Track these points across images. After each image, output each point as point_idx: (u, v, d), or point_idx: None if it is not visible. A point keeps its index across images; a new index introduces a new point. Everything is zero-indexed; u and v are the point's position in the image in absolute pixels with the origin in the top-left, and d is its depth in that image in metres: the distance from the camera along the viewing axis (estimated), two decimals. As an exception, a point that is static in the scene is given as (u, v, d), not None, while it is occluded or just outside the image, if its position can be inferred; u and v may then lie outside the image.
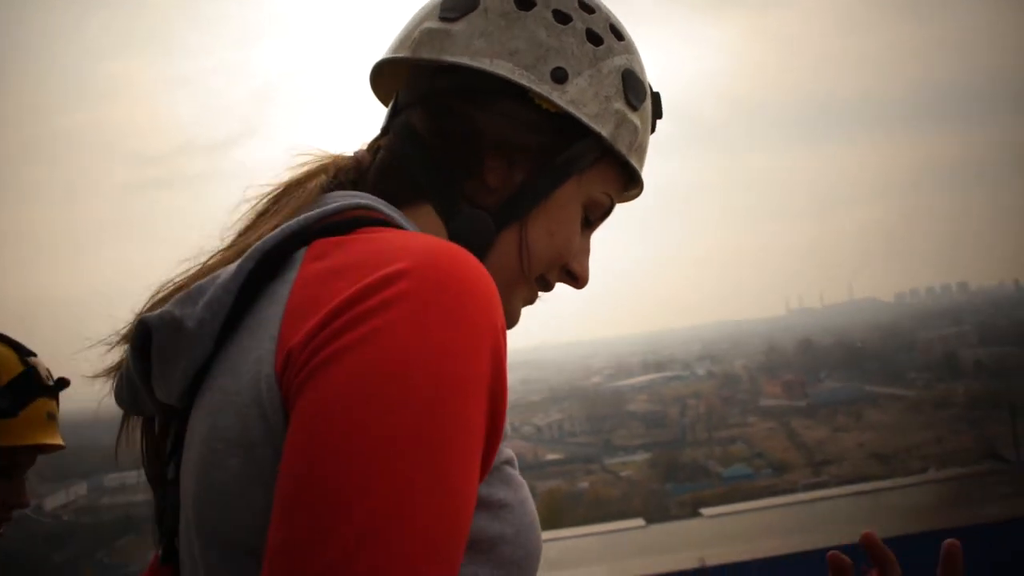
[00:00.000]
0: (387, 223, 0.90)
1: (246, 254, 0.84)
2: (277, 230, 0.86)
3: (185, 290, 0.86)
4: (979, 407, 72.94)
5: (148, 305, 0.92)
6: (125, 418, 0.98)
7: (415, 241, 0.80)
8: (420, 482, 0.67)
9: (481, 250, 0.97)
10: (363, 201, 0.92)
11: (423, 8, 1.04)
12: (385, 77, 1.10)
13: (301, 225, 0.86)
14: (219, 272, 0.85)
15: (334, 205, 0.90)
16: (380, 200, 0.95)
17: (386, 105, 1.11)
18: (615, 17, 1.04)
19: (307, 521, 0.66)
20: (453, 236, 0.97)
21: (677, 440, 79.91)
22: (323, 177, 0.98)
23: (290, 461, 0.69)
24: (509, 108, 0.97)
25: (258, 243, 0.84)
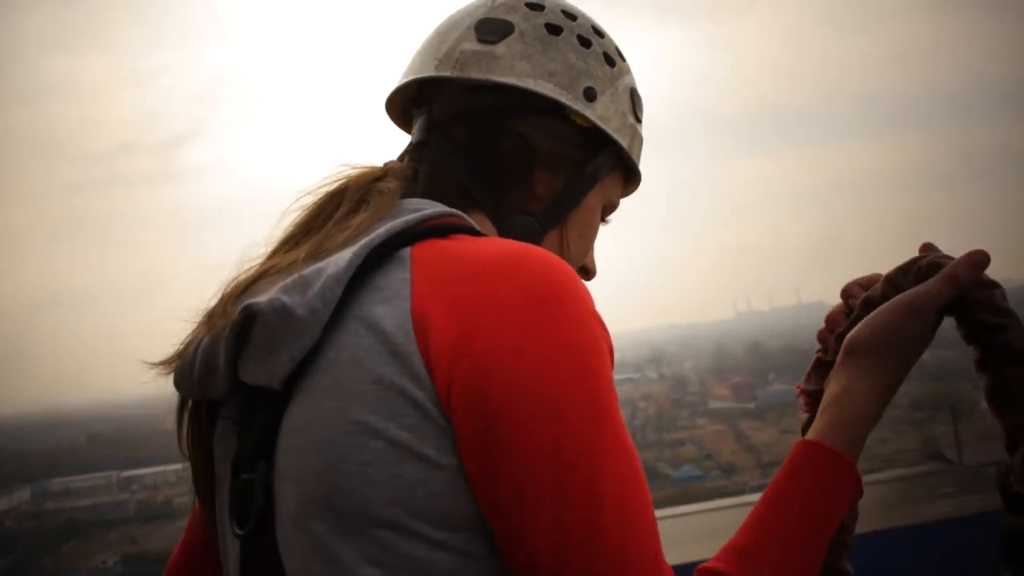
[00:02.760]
0: (474, 231, 0.99)
1: (354, 250, 0.90)
2: (383, 229, 0.93)
3: (285, 280, 0.91)
4: (922, 409, 74.03)
5: (223, 295, 0.99)
6: (183, 404, 1.04)
7: (514, 246, 0.91)
8: (619, 447, 0.84)
9: None
10: (451, 210, 1.01)
11: (451, 29, 1.12)
12: (396, 93, 1.19)
13: (405, 226, 0.95)
14: (324, 264, 0.91)
15: (431, 211, 0.99)
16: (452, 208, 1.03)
17: (395, 119, 1.23)
18: (616, 42, 1.18)
19: (573, 512, 0.80)
20: None
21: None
22: (396, 182, 1.05)
23: (508, 471, 0.81)
24: (551, 124, 1.09)
25: (365, 240, 0.92)
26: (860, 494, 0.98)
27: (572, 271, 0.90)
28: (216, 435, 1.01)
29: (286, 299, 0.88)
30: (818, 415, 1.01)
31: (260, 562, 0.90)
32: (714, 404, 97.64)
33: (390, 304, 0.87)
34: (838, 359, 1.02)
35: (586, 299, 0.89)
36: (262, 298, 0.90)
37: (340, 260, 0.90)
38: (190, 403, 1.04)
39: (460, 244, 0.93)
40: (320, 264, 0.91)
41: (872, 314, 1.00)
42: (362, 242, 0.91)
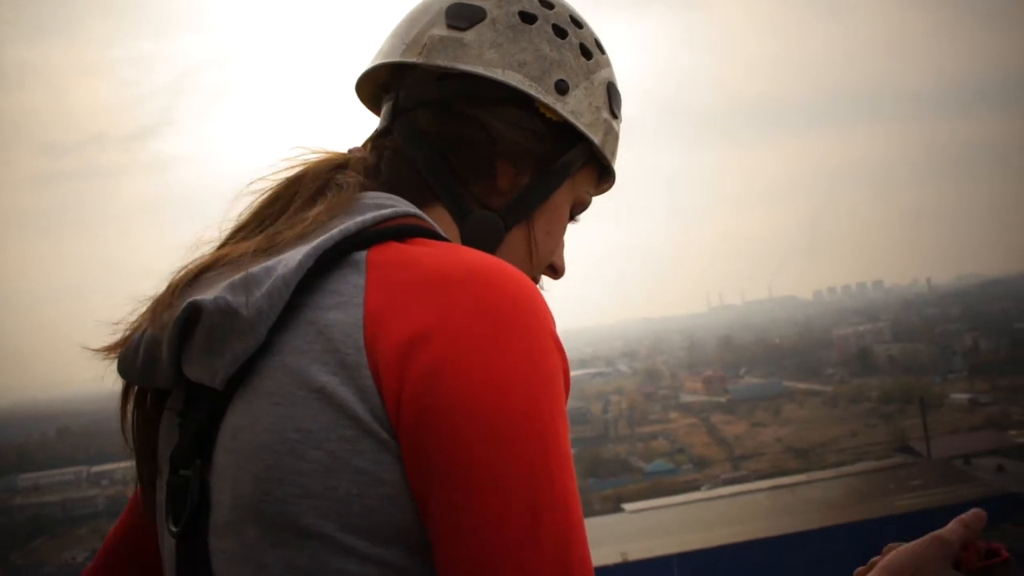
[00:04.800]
0: (434, 234, 0.96)
1: (306, 251, 0.87)
2: (337, 230, 0.90)
3: (233, 276, 0.88)
4: (892, 402, 74.86)
5: (170, 284, 0.95)
6: (127, 391, 1.02)
7: (475, 257, 0.88)
8: (563, 476, 0.81)
9: (491, 250, 1.05)
10: (411, 209, 0.98)
11: (422, 13, 1.09)
12: (365, 77, 1.15)
13: (360, 227, 0.91)
14: (273, 263, 0.88)
15: (388, 210, 0.95)
16: (413, 205, 1.00)
17: (366, 103, 1.20)
18: (596, 33, 1.14)
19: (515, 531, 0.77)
20: (466, 237, 1.05)
21: (600, 436, 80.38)
22: (355, 175, 1.02)
23: (452, 500, 0.79)
24: (517, 116, 1.05)
25: (318, 241, 0.89)
26: None
27: (535, 288, 0.87)
28: (161, 424, 0.99)
29: (231, 298, 0.85)
30: None
31: (194, 561, 0.88)
32: (686, 398, 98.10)
33: (342, 311, 0.85)
34: None
35: (545, 320, 0.86)
36: (207, 295, 0.87)
37: (290, 261, 0.87)
38: (135, 388, 1.02)
39: (419, 250, 0.90)
40: (270, 263, 0.88)
41: None
42: (315, 243, 0.88)
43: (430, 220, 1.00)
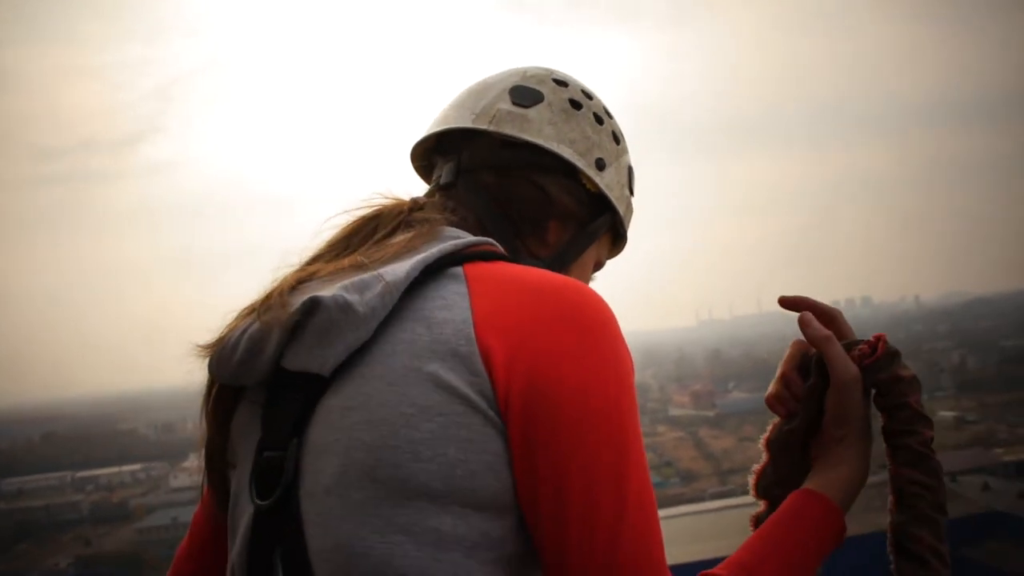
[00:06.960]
0: (510, 259, 1.13)
1: (412, 263, 1.03)
2: (435, 248, 1.06)
3: (343, 281, 1.02)
4: (877, 417, 74.67)
5: (274, 289, 1.08)
6: (211, 388, 1.13)
7: (559, 275, 1.06)
8: (639, 469, 0.97)
9: None
10: (487, 239, 1.15)
11: (484, 89, 1.29)
12: (421, 141, 1.33)
13: (454, 248, 1.08)
14: (381, 272, 1.02)
15: (470, 239, 1.12)
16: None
17: (412, 161, 1.37)
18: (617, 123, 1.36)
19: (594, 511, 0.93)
20: None
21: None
22: (434, 213, 1.18)
23: (555, 478, 0.94)
24: (567, 184, 1.24)
25: (420, 256, 1.04)
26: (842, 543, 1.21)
27: (607, 303, 1.04)
28: (237, 418, 1.10)
29: (348, 296, 0.98)
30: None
31: (273, 528, 0.99)
32: (674, 411, 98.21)
33: (449, 311, 0.99)
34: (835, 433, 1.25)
35: (619, 330, 1.02)
36: (325, 293, 1.00)
37: (398, 270, 1.02)
38: (218, 386, 1.12)
39: (508, 268, 1.06)
40: (376, 272, 1.03)
41: (837, 393, 1.23)
42: (418, 258, 1.04)
43: (502, 249, 1.16)
